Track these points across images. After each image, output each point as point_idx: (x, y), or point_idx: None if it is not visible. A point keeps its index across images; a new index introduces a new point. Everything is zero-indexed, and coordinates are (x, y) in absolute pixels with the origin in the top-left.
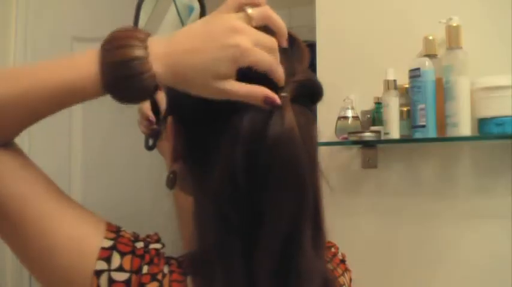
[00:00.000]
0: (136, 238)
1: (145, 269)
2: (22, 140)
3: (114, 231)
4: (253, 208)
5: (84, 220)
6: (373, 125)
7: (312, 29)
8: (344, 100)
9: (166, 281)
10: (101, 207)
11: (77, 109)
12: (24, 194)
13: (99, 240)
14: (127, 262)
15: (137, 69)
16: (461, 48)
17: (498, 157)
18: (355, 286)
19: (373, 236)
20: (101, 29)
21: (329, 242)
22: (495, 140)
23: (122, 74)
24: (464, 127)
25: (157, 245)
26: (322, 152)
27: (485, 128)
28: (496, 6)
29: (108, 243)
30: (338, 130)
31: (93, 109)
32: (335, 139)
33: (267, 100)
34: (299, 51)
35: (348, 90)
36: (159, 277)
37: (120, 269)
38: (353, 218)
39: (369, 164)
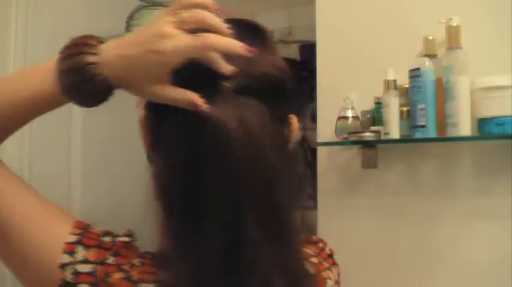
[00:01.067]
0: (106, 234)
1: (110, 260)
2: (22, 143)
3: (82, 228)
4: (198, 199)
5: (53, 219)
6: (373, 125)
7: (312, 29)
8: (344, 100)
9: (136, 272)
10: (101, 209)
11: (77, 112)
12: (6, 203)
13: (64, 236)
14: (92, 254)
15: (89, 74)
16: (461, 48)
17: (498, 157)
18: (356, 286)
19: (373, 236)
20: (101, 29)
21: (318, 238)
22: (495, 140)
23: (76, 80)
24: (464, 127)
25: (125, 239)
26: (322, 152)
27: (485, 128)
28: (496, 6)
29: (73, 238)
30: (338, 130)
31: (93, 112)
32: (335, 139)
33: (191, 106)
34: (265, 44)
35: (348, 90)
36: (126, 267)
37: (85, 261)
38: (353, 218)
39: (369, 164)
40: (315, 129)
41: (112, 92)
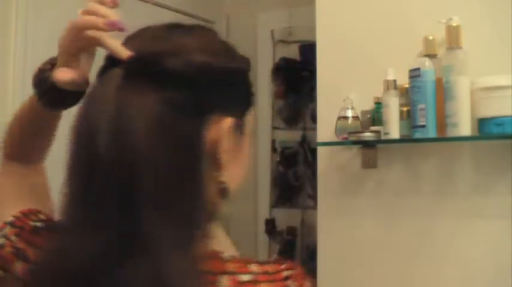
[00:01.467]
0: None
1: (13, 237)
2: None
3: (23, 213)
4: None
5: (16, 207)
6: (373, 125)
7: (312, 29)
8: (344, 100)
9: (34, 253)
10: None
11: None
12: None
13: (7, 218)
14: (10, 231)
15: (44, 76)
16: (461, 48)
17: (498, 157)
18: (355, 285)
19: (373, 236)
20: None
21: (288, 263)
22: (495, 140)
23: (37, 81)
24: (464, 127)
25: (38, 224)
26: (322, 152)
27: (485, 128)
28: (496, 6)
29: (9, 219)
30: (338, 130)
31: None
32: (335, 139)
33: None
34: (192, 36)
35: (348, 90)
36: (21, 245)
37: (3, 236)
38: (353, 218)
39: (369, 164)
40: (315, 129)
41: (74, 96)
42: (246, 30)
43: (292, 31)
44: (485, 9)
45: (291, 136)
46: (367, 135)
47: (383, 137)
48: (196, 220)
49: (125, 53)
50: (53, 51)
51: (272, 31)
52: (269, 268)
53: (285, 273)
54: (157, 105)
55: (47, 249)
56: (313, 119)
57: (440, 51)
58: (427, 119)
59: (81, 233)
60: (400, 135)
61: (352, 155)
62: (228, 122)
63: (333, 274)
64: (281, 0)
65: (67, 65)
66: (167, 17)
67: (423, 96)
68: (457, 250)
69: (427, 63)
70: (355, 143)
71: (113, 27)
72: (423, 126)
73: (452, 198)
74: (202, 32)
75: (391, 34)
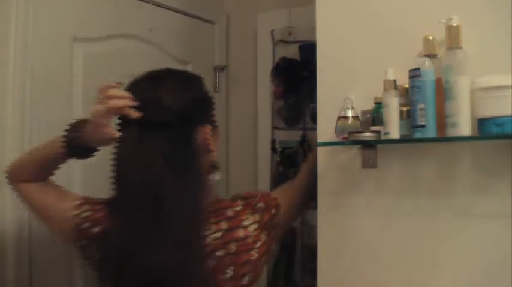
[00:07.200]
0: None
1: (89, 213)
2: (23, 142)
3: (83, 198)
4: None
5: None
6: (373, 125)
7: (312, 29)
8: (344, 100)
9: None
10: None
11: (78, 110)
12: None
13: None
14: (87, 209)
15: (76, 137)
16: (461, 48)
17: (498, 157)
18: (355, 285)
19: (373, 236)
20: (100, 29)
21: (253, 193)
22: (495, 140)
23: (68, 141)
24: (464, 127)
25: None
26: (322, 152)
27: (485, 128)
28: (496, 6)
29: (78, 202)
30: (338, 130)
31: None
32: (335, 139)
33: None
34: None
35: (348, 90)
36: (96, 216)
37: (86, 210)
38: (353, 218)
39: (369, 164)
40: (315, 129)
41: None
42: (246, 30)
43: (292, 31)
44: (485, 9)
45: (291, 136)
46: (367, 135)
47: (383, 137)
48: (203, 182)
49: (135, 114)
50: (52, 51)
51: (272, 31)
52: (242, 202)
53: (253, 202)
54: (160, 139)
55: (110, 226)
56: (313, 119)
57: (440, 51)
58: (427, 119)
59: (129, 217)
60: (400, 136)
61: (352, 155)
62: (208, 129)
63: (333, 274)
64: (281, 0)
65: (101, 129)
66: (167, 17)
67: (423, 96)
68: (457, 250)
69: (427, 63)
70: (355, 143)
71: (134, 101)
72: (423, 126)
73: (452, 198)
74: (172, 82)
75: (391, 34)
